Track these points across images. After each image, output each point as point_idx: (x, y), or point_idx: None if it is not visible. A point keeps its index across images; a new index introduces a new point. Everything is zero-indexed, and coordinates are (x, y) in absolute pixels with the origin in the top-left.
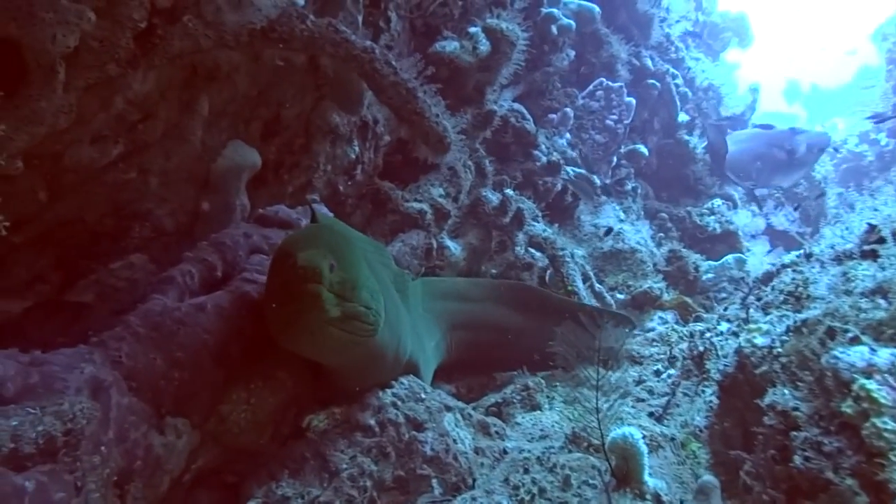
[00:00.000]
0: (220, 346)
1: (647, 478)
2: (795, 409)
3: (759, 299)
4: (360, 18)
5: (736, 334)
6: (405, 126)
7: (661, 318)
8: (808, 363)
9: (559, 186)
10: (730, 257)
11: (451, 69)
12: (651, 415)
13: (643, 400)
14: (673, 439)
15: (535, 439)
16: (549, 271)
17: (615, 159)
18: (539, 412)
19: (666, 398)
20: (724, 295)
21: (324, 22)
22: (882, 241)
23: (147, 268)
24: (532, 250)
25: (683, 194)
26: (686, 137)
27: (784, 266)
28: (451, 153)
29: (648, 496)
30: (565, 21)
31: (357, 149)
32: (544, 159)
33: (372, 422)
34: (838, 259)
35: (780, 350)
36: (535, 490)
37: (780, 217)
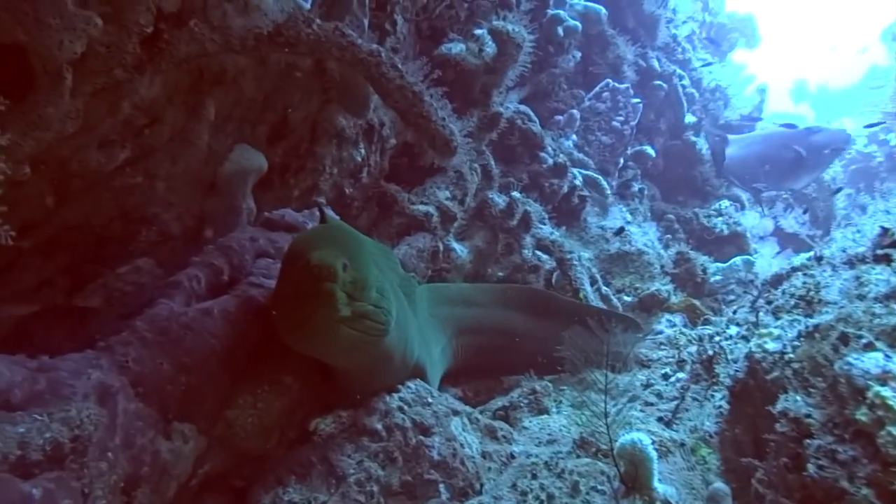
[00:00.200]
0: (227, 350)
1: (656, 484)
2: (808, 416)
3: (769, 303)
4: (366, 22)
5: (746, 338)
6: (411, 130)
7: (668, 320)
8: (820, 369)
9: (565, 188)
10: (738, 259)
11: (456, 71)
12: (660, 419)
13: (652, 404)
14: (682, 445)
15: (543, 444)
16: (555, 274)
17: (622, 161)
18: (546, 416)
19: (675, 402)
20: (732, 297)
21: (330, 26)
22: None
23: (154, 272)
24: (539, 253)
25: (691, 196)
26: (693, 138)
27: (794, 269)
28: (457, 156)
29: (658, 502)
30: (571, 22)
31: (363, 151)
32: (550, 161)
33: (379, 426)
34: (850, 263)
35: (791, 356)
36: (543, 496)
37: (790, 219)
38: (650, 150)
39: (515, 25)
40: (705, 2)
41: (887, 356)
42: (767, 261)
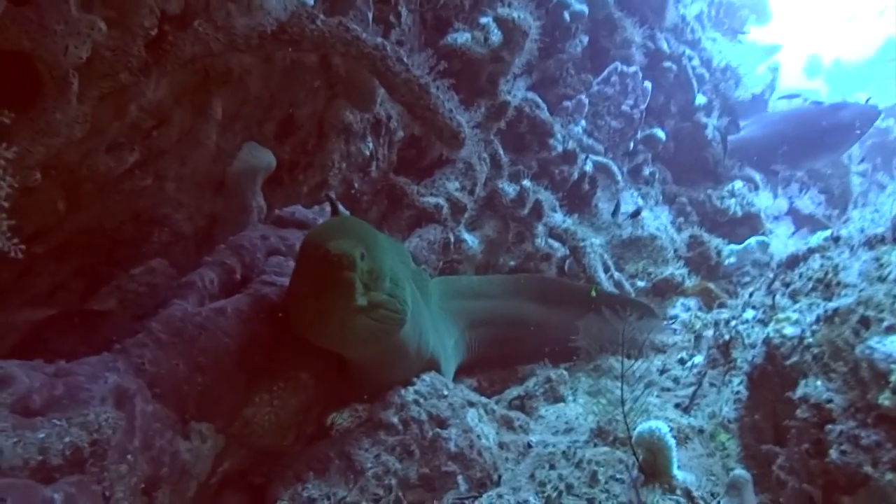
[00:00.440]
0: (242, 349)
1: (676, 472)
2: (829, 401)
3: (786, 286)
4: (370, 15)
5: (762, 322)
6: (419, 123)
7: (683, 304)
8: (841, 354)
9: (575, 175)
10: (753, 241)
11: (463, 61)
12: (677, 406)
13: (668, 389)
14: (701, 431)
15: (560, 433)
16: (568, 261)
17: (632, 145)
18: (563, 404)
19: (692, 388)
20: (747, 279)
21: (334, 21)
22: None
23: (167, 272)
24: (551, 241)
25: (703, 178)
26: (704, 120)
27: (811, 250)
28: (466, 148)
29: (678, 491)
30: (578, 7)
31: (371, 145)
32: (560, 148)
33: (395, 420)
34: (869, 243)
35: (811, 340)
36: (561, 486)
37: (806, 200)
38: (660, 133)
39: (521, 12)
40: None
41: None
42: (783, 241)
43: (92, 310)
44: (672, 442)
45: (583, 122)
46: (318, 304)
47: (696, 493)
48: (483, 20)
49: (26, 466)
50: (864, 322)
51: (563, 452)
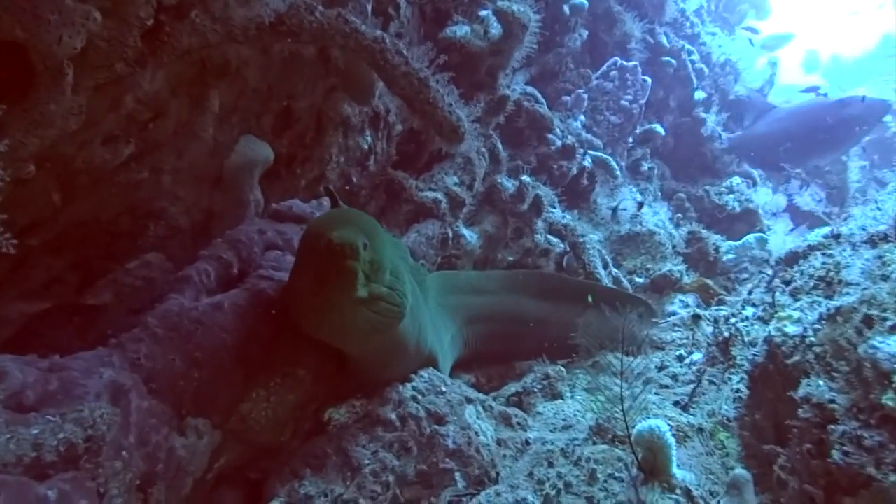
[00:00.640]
0: (239, 344)
1: (675, 470)
2: (832, 401)
3: (786, 283)
4: (369, 7)
5: (762, 319)
6: (418, 117)
7: (681, 301)
8: (843, 353)
9: (574, 170)
10: (751, 237)
11: (462, 54)
12: (676, 403)
13: (667, 387)
14: (700, 429)
15: (558, 430)
16: (566, 257)
17: (631, 140)
18: (560, 401)
19: (691, 386)
20: (745, 276)
21: (333, 13)
22: None
23: (164, 266)
24: (550, 237)
25: (701, 173)
26: (703, 115)
27: (811, 248)
28: (465, 142)
29: (678, 490)
30: (578, 0)
31: (370, 139)
32: (559, 143)
33: (393, 416)
34: (871, 241)
35: (813, 339)
36: (560, 485)
37: (806, 197)
38: (660, 129)
39: (521, 5)
40: None
41: None
42: (781, 238)
43: (87, 304)
44: (672, 441)
45: (582, 117)
46: (318, 294)
47: (695, 493)
48: (482, 13)
49: (20, 463)
50: (868, 321)
51: (562, 450)
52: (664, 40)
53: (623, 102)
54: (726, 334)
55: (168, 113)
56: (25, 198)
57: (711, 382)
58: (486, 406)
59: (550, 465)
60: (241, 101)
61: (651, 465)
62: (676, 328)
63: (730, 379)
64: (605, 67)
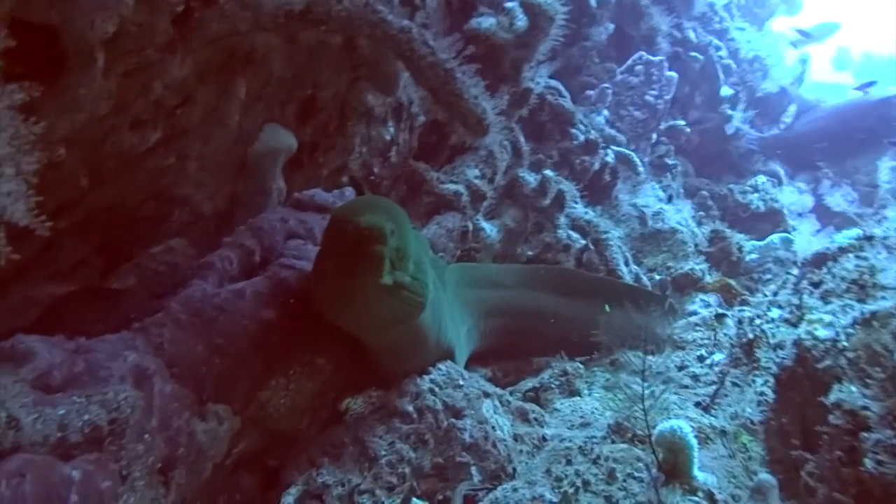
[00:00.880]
0: (259, 332)
1: (697, 472)
2: (865, 408)
3: (814, 285)
4: None
5: (789, 322)
6: (443, 108)
7: (703, 300)
8: (878, 359)
9: (596, 165)
10: (775, 237)
11: (486, 46)
12: (698, 404)
13: (687, 387)
14: (723, 432)
15: (576, 427)
16: (585, 253)
17: (655, 136)
18: (578, 398)
19: (713, 387)
20: (768, 276)
21: (360, 1)
22: None
23: (187, 251)
24: (571, 233)
25: (725, 171)
26: (729, 112)
27: (842, 249)
28: (490, 135)
29: (700, 492)
30: None
31: (392, 130)
32: (582, 138)
33: (410, 408)
34: None
35: (845, 344)
36: (578, 483)
37: (838, 197)
38: (684, 125)
39: None
40: None
41: None
42: (807, 239)
43: (111, 288)
44: (694, 442)
45: (605, 112)
46: (344, 279)
47: (718, 496)
48: (508, 4)
49: (46, 443)
50: None
51: (580, 448)
52: (692, 35)
53: (648, 98)
54: (751, 336)
55: (195, 99)
56: (55, 181)
57: (734, 384)
58: (503, 401)
59: (568, 462)
60: (266, 90)
61: (672, 466)
62: (697, 328)
63: (753, 381)
64: (630, 62)
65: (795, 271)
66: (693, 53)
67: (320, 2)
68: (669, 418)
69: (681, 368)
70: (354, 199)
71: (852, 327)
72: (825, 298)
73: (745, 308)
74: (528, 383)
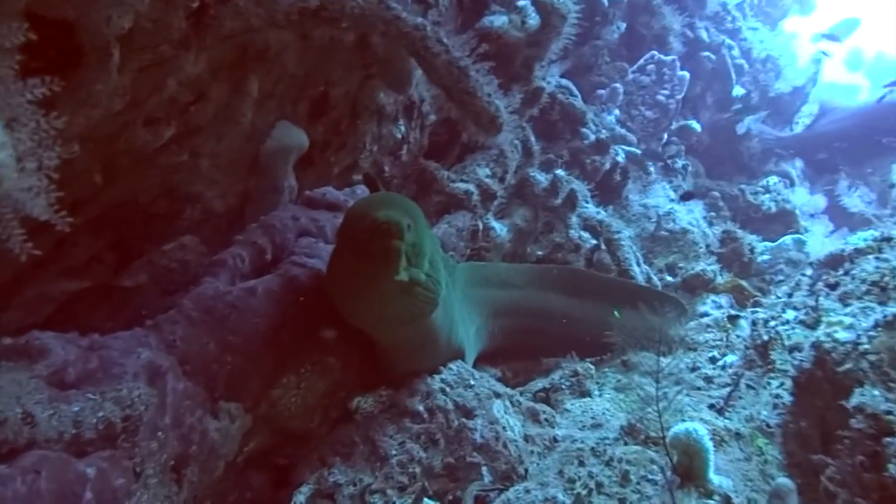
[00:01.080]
0: (271, 330)
1: (712, 476)
2: (889, 412)
3: (830, 287)
4: None
5: (805, 324)
6: (456, 106)
7: (714, 301)
8: None
9: (607, 165)
10: (788, 238)
11: (498, 45)
12: (711, 406)
13: (699, 389)
14: (738, 434)
15: (587, 428)
16: (596, 253)
17: (665, 136)
18: (589, 399)
19: (726, 389)
20: (780, 278)
21: None
22: None
23: (198, 249)
24: (582, 232)
25: (736, 172)
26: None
27: (859, 251)
28: (502, 134)
29: (716, 496)
30: None
31: (403, 128)
32: (592, 137)
33: (420, 408)
34: None
35: (867, 346)
36: (591, 484)
37: (855, 198)
38: (695, 125)
39: None
40: None
41: None
42: (819, 240)
43: (123, 285)
44: (710, 445)
45: (616, 112)
46: (360, 274)
47: (734, 500)
48: (521, 2)
49: (60, 439)
50: None
51: (592, 449)
52: (704, 34)
53: (659, 97)
54: (765, 337)
55: (209, 97)
56: (69, 177)
57: (749, 386)
58: (514, 401)
59: (581, 463)
60: (279, 87)
61: (687, 468)
62: (709, 329)
63: (769, 384)
64: (642, 61)
65: (809, 272)
66: (705, 53)
67: None
68: (683, 420)
69: (693, 370)
70: (370, 195)
71: (874, 330)
72: (844, 300)
73: (758, 309)
74: (539, 384)
